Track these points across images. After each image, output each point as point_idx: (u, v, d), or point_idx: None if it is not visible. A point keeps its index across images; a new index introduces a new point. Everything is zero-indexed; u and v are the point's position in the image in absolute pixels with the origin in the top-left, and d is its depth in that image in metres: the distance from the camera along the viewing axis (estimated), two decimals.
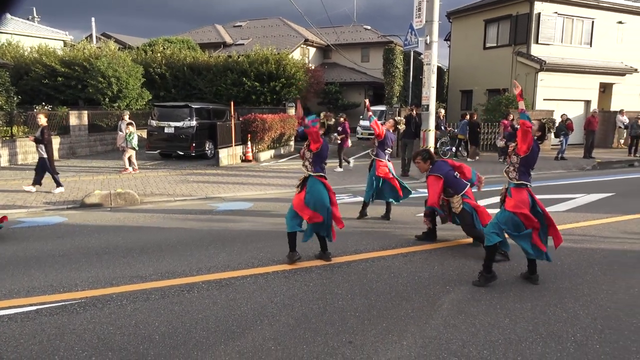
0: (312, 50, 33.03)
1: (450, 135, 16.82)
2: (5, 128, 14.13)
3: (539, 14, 19.59)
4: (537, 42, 19.77)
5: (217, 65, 22.54)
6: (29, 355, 3.48)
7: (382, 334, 3.85)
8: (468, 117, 15.87)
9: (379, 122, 7.59)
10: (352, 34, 33.71)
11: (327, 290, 4.75)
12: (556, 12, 19.89)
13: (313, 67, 28.54)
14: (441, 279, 5.06)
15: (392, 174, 7.52)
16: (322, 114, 5.43)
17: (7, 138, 13.95)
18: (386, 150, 7.59)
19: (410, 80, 19.87)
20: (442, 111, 17.04)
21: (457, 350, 3.60)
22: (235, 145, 14.84)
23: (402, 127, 8.19)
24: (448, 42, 25.77)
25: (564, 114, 16.63)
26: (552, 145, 18.88)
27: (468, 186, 6.02)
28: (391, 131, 7.78)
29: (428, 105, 11.78)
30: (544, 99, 19.74)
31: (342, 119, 13.46)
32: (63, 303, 4.37)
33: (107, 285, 4.82)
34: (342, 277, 5.11)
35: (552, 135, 17.84)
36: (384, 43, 29.10)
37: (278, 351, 3.58)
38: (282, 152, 18.00)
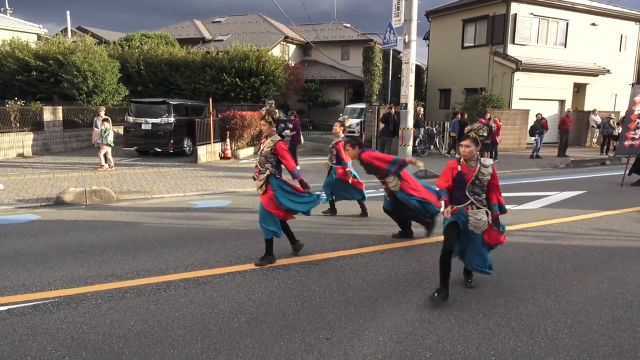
0: (292, 48, 32.96)
1: (428, 134, 17.02)
2: None
3: (516, 14, 19.93)
4: (513, 42, 20.11)
5: (195, 61, 22.30)
6: (0, 356, 3.41)
7: (358, 330, 3.89)
8: (459, 116, 16.08)
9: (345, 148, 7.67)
10: (332, 31, 33.77)
11: (304, 287, 4.77)
12: (532, 14, 20.25)
13: (293, 65, 28.51)
14: (418, 276, 5.13)
15: (354, 175, 7.60)
16: (264, 109, 5.35)
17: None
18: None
19: (390, 78, 19.98)
20: (422, 110, 17.23)
21: (432, 345, 3.66)
22: (214, 143, 14.73)
23: (347, 123, 8.28)
24: (427, 41, 26.01)
25: (539, 113, 16.96)
26: (527, 143, 19.25)
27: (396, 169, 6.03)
28: (343, 134, 7.85)
29: (407, 104, 11.87)
30: (520, 98, 20.10)
31: (292, 116, 13.36)
32: (36, 303, 4.29)
33: (82, 284, 4.75)
34: (319, 274, 5.13)
35: (528, 133, 18.22)
36: (363, 41, 29.22)
37: (255, 348, 3.59)
38: None
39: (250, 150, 16.79)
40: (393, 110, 12.78)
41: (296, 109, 30.26)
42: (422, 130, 16.56)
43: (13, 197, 8.80)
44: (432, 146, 17.07)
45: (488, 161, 4.45)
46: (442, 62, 23.75)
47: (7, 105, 15.03)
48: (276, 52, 28.76)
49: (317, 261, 5.54)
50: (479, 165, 4.38)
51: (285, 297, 4.54)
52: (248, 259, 5.56)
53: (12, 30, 29.02)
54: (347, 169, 7.43)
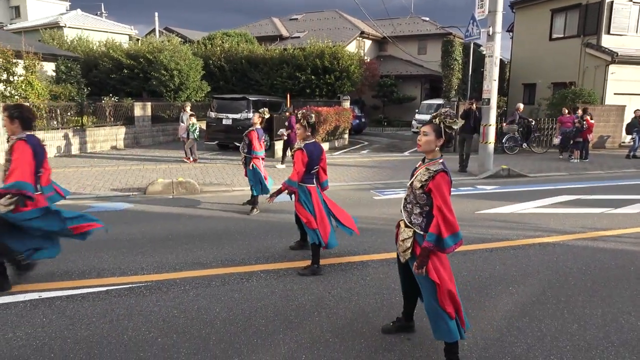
0: (368, 43, 32.73)
1: (526, 129, 16.17)
2: (76, 118, 14.96)
3: (612, 2, 18.39)
4: (608, 32, 18.58)
5: (273, 58, 22.83)
6: (100, 333, 3.67)
7: None
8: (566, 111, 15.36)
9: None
10: (409, 25, 33.10)
11: (384, 285, 4.70)
12: (631, 0, 18.59)
13: (368, 60, 28.29)
14: (503, 280, 4.88)
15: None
16: (301, 113, 5.04)
17: (78, 127, 14.77)
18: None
19: (470, 73, 19.27)
20: (521, 106, 16.43)
21: (521, 354, 3.47)
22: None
23: (266, 116, 8.10)
24: (510, 33, 24.76)
25: (637, 110, 15.56)
26: (622, 142, 17.78)
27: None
28: (259, 126, 7.83)
29: (489, 99, 11.36)
30: (615, 94, 18.54)
31: (288, 113, 12.86)
32: (130, 285, 4.58)
33: (171, 270, 5.01)
34: (396, 274, 5.02)
35: (624, 132, 16.81)
36: (442, 35, 28.38)
37: (336, 343, 3.59)
38: (336, 144, 18.01)
39: (325, 146, 16.91)
40: (474, 105, 12.27)
41: (371, 105, 30.11)
42: (516, 127, 15.83)
43: (108, 187, 9.48)
44: (525, 143, 16.20)
45: (435, 166, 3.16)
46: (527, 55, 22.49)
47: (103, 102, 16.25)
48: (352, 47, 28.71)
49: (393, 259, 5.43)
50: (423, 167, 3.23)
51: (365, 294, 4.50)
52: (327, 253, 5.58)
53: (107, 31, 31.37)
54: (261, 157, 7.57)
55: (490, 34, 11.27)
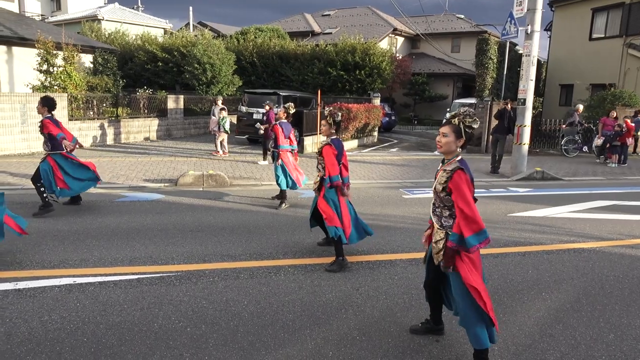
0: (400, 40, 32.41)
1: (585, 134, 15.63)
2: (111, 109, 15.32)
3: None
4: None
5: (304, 54, 22.84)
6: (132, 320, 3.75)
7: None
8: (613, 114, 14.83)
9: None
10: (443, 23, 32.62)
11: (412, 285, 4.64)
12: None
13: (400, 57, 28.02)
14: (536, 285, 4.75)
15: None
16: (329, 110, 4.97)
17: (113, 118, 15.12)
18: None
19: (504, 72, 18.84)
20: (581, 107, 15.94)
21: None
22: (319, 134, 14.96)
23: (291, 111, 7.92)
24: (548, 32, 24.08)
25: None
26: None
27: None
28: (285, 120, 7.87)
29: (525, 99, 11.07)
30: None
31: (267, 107, 12.23)
32: (161, 275, 4.66)
33: (200, 261, 5.07)
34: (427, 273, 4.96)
35: None
36: (477, 33, 27.84)
37: (363, 342, 3.56)
38: (365, 142, 17.92)
39: (354, 143, 16.86)
40: (509, 106, 11.99)
41: (401, 103, 29.82)
42: (576, 129, 15.36)
43: (141, 177, 9.67)
44: (585, 147, 15.65)
45: (452, 165, 3.14)
46: (565, 55, 21.85)
47: (138, 94, 16.59)
48: (384, 44, 28.47)
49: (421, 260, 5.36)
50: (442, 170, 3.21)
51: (393, 293, 4.45)
52: (355, 251, 5.55)
53: (143, 25, 32.00)
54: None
55: (529, 32, 10.97)
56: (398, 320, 3.91)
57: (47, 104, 6.67)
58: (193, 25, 33.72)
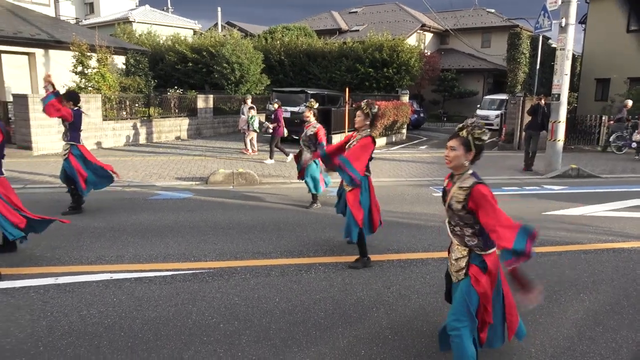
0: (429, 36, 32.01)
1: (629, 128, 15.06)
2: (143, 109, 15.65)
3: None
4: None
5: (332, 51, 22.80)
6: (167, 316, 3.82)
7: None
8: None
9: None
10: (473, 18, 32.04)
11: (442, 284, 4.56)
12: None
13: (429, 53, 27.67)
14: (574, 286, 4.62)
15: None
16: (364, 102, 4.86)
17: (145, 118, 15.44)
18: None
19: (537, 67, 18.38)
20: (630, 102, 15.40)
21: None
22: (347, 132, 14.93)
23: (314, 106, 7.73)
24: (583, 25, 23.36)
25: None
26: None
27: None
28: (314, 119, 7.61)
29: (559, 95, 10.76)
30: None
31: (276, 106, 12.05)
32: (194, 271, 4.73)
33: (232, 258, 5.12)
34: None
35: None
36: (508, 27, 27.23)
37: (395, 341, 3.53)
38: (394, 139, 17.79)
39: (382, 141, 16.75)
40: (543, 101, 11.68)
41: (430, 100, 29.46)
42: (624, 124, 14.84)
43: (172, 175, 9.84)
44: (634, 143, 15.04)
45: (468, 182, 2.90)
46: (600, 49, 21.13)
47: (168, 94, 16.89)
48: (412, 41, 28.16)
49: None
50: (455, 187, 2.98)
51: (425, 292, 4.41)
52: (386, 249, 5.52)
53: (172, 26, 32.55)
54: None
55: (563, 25, 10.66)
56: (430, 320, 3.86)
57: (71, 98, 6.84)
58: (221, 25, 34.09)
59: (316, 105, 7.79)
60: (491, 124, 22.12)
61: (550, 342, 3.56)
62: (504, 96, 21.94)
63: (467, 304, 2.88)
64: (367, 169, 4.95)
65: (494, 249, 2.94)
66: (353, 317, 3.89)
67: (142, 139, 15.23)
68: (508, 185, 9.82)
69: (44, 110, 6.52)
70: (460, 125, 2.96)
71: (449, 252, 3.23)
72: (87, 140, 13.44)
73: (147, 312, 3.86)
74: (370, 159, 4.92)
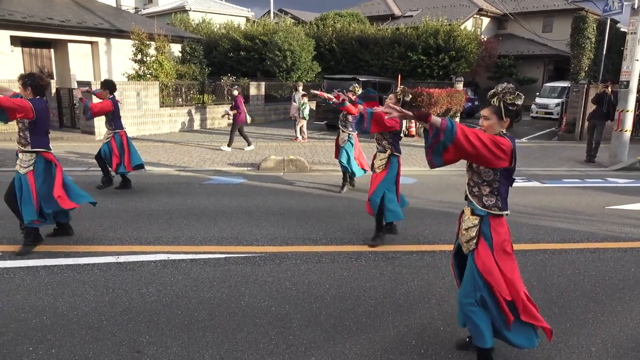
0: (486, 21, 30.84)
1: None
2: (198, 96, 16.06)
3: None
4: None
5: (384, 38, 22.42)
6: (220, 297, 3.93)
7: (565, 334, 3.47)
8: None
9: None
10: (534, 1, 30.51)
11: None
12: None
13: (485, 39, 26.67)
14: (639, 284, 4.36)
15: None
16: (399, 89, 4.95)
17: (199, 105, 15.86)
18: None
19: (603, 53, 17.33)
20: None
21: None
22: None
23: (358, 91, 7.41)
24: None
25: None
26: None
27: None
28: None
29: (628, 82, 10.10)
30: None
31: (236, 92, 11.55)
32: (247, 255, 4.84)
33: (283, 243, 5.20)
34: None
35: None
36: (572, 10, 25.73)
37: (447, 333, 3.47)
38: None
39: None
40: (609, 89, 11.00)
41: (485, 87, 28.45)
42: None
43: (225, 161, 10.08)
44: None
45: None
46: None
47: (222, 81, 17.23)
48: (468, 26, 27.22)
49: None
50: None
51: None
52: (437, 239, 5.42)
53: (226, 14, 33.10)
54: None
55: (635, 7, 9.97)
56: None
57: (109, 86, 7.09)
58: (274, 12, 34.31)
59: (359, 92, 7.68)
60: (551, 113, 21.14)
61: (613, 342, 3.38)
62: (565, 84, 20.87)
63: (476, 280, 2.92)
64: (397, 148, 5.27)
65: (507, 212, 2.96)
66: (403, 306, 3.85)
67: (196, 125, 15.67)
68: (569, 177, 9.37)
69: (92, 116, 6.92)
70: (492, 91, 2.89)
71: (459, 223, 3.19)
72: (145, 125, 14.01)
73: (202, 293, 3.99)
74: (399, 137, 5.30)
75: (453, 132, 2.68)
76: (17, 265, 4.45)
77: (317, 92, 8.11)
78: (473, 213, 3.03)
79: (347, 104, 6.54)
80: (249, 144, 11.63)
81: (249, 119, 12.08)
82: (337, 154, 7.70)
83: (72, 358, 3.07)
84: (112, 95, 7.14)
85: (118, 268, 4.46)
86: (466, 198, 3.11)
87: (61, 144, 11.19)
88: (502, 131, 2.87)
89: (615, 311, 3.84)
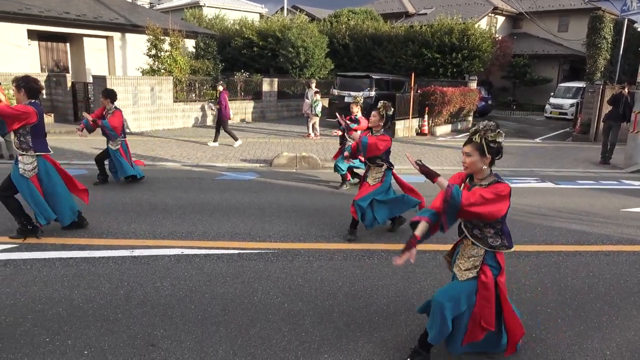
0: (501, 19, 30.55)
1: None
2: (211, 91, 16.13)
3: None
4: None
5: (398, 35, 22.33)
6: (233, 292, 3.96)
7: (579, 337, 3.45)
8: None
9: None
10: (550, 0, 30.15)
11: (513, 279, 4.41)
12: None
13: (500, 38, 26.43)
14: None
15: None
16: (381, 103, 5.04)
17: (213, 100, 15.92)
18: None
19: (620, 53, 17.12)
20: None
21: None
22: (412, 118, 14.66)
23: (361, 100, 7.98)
24: None
25: None
26: None
27: None
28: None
29: None
30: None
31: (221, 88, 11.46)
32: (259, 251, 4.86)
33: (296, 240, 5.22)
34: (530, 267, 4.70)
35: None
36: (589, 10, 25.41)
37: None
38: (459, 127, 17.27)
39: (447, 128, 16.32)
40: (626, 90, 10.86)
41: (499, 87, 28.24)
42: None
43: (238, 157, 10.12)
44: None
45: (490, 179, 2.88)
46: None
47: (235, 77, 17.29)
48: (482, 24, 27.00)
49: (526, 253, 5.08)
50: (476, 185, 2.90)
51: None
52: (451, 239, 5.38)
53: (240, 10, 33.17)
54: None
55: None
56: None
57: (109, 95, 7.00)
58: (287, 9, 34.29)
59: (361, 101, 8.02)
60: (565, 114, 20.92)
61: (628, 346, 3.35)
62: (580, 84, 20.64)
63: (461, 301, 2.90)
64: (388, 161, 5.35)
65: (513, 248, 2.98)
66: (416, 305, 3.83)
67: (209, 121, 15.75)
68: (583, 178, 9.28)
69: (109, 133, 6.98)
70: (473, 129, 2.86)
71: (452, 252, 3.26)
72: (159, 120, 14.11)
73: (216, 288, 4.02)
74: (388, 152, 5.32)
75: (457, 199, 2.72)
76: (34, 257, 4.52)
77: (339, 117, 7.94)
78: (475, 244, 2.96)
79: (353, 126, 6.81)
80: (235, 139, 11.53)
81: (231, 115, 12.02)
82: (337, 155, 7.82)
83: (88, 349, 3.11)
84: (113, 105, 7.07)
85: (132, 262, 4.50)
86: (463, 235, 3.06)
87: (76, 138, 11.32)
88: (495, 179, 2.87)
89: (630, 315, 3.81)
